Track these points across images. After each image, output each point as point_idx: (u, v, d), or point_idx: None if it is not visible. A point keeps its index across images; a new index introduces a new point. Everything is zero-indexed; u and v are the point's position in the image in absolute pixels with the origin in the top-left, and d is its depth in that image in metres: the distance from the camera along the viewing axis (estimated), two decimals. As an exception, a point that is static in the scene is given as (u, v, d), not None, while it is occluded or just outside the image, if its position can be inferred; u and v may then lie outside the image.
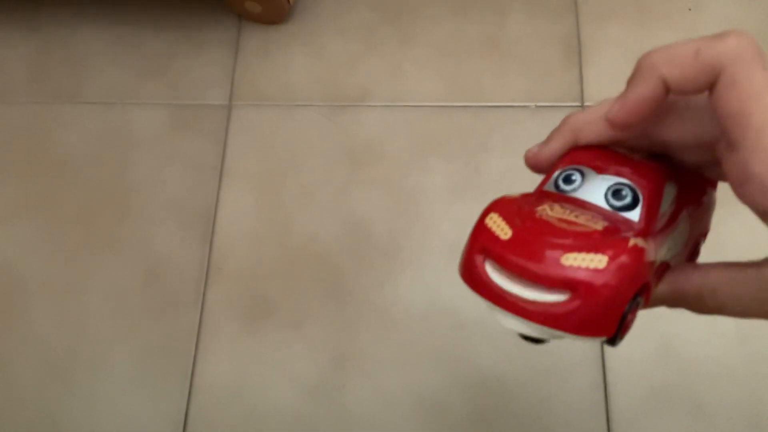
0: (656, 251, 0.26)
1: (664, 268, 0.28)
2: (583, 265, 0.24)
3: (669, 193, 0.28)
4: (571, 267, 0.24)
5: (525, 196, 0.30)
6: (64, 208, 0.75)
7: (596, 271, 0.23)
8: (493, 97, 0.79)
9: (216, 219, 0.74)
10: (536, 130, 0.77)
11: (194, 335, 0.69)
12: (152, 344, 0.69)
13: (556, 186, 0.29)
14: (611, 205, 0.27)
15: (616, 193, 0.27)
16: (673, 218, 0.28)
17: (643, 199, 0.27)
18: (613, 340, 0.26)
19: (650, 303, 0.28)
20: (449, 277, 0.70)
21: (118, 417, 0.66)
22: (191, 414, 0.66)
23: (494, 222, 0.27)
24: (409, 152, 0.76)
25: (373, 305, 0.69)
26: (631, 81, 0.27)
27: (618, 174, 0.28)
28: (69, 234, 0.74)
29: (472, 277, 0.26)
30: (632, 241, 0.24)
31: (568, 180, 0.29)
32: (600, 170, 0.28)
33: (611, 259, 0.23)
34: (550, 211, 0.27)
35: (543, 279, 0.24)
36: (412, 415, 0.65)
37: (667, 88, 0.25)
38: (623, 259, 0.24)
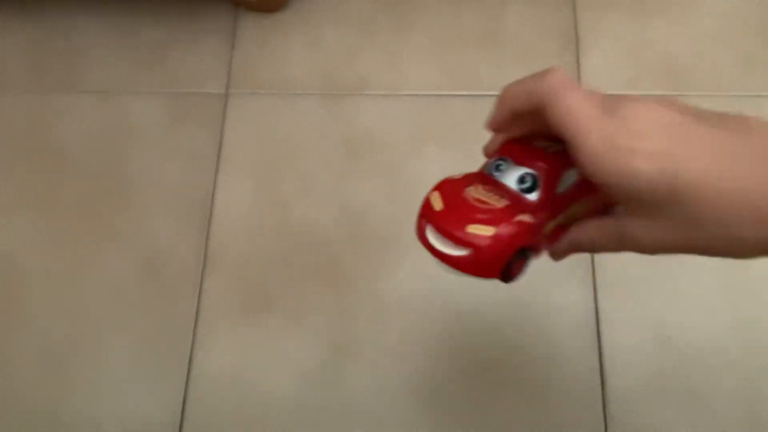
0: (550, 220, 0.37)
1: (562, 228, 0.38)
2: (478, 233, 0.35)
3: (569, 177, 0.38)
4: (471, 233, 0.35)
5: (465, 177, 0.41)
6: (63, 199, 0.75)
7: (485, 237, 0.35)
8: (491, 87, 0.78)
9: (213, 208, 0.74)
10: (534, 119, 0.77)
11: (192, 324, 0.69)
12: (150, 334, 0.69)
13: (491, 170, 0.40)
14: (519, 188, 0.38)
15: (522, 179, 0.38)
16: (572, 195, 0.38)
17: (541, 184, 0.37)
18: (504, 280, 0.37)
19: (560, 249, 0.38)
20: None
21: (117, 406, 0.66)
22: (189, 403, 0.66)
23: (434, 198, 0.39)
24: (406, 141, 0.76)
25: (371, 294, 0.69)
26: (495, 104, 0.39)
27: (526, 165, 0.38)
28: (67, 225, 0.74)
29: (419, 235, 0.38)
30: (518, 217, 0.35)
31: (497, 167, 0.40)
32: (516, 161, 0.39)
33: (498, 231, 0.34)
34: (473, 192, 0.38)
35: (455, 239, 0.35)
36: (410, 403, 0.65)
37: (515, 113, 0.37)
38: (505, 229, 0.35)
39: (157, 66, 0.81)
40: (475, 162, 0.74)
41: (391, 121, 0.77)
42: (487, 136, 0.75)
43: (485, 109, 0.76)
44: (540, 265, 0.71)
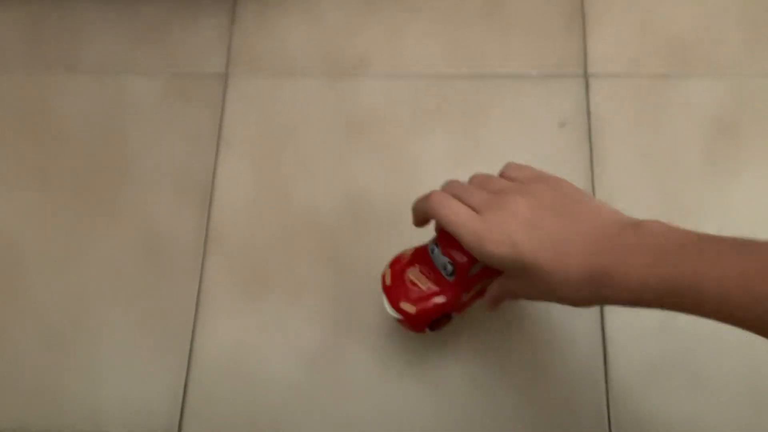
0: (465, 293, 0.56)
1: (480, 293, 0.57)
2: (406, 309, 0.56)
3: (477, 267, 0.54)
4: (401, 308, 0.57)
5: (412, 255, 0.59)
6: (61, 177, 0.75)
7: (408, 313, 0.57)
8: (495, 65, 0.77)
9: (214, 189, 0.73)
10: (538, 99, 0.77)
11: (193, 305, 0.69)
12: (151, 314, 0.69)
13: (431, 249, 0.57)
14: (444, 272, 0.56)
15: (445, 267, 0.55)
16: (481, 275, 0.55)
17: (457, 271, 0.55)
18: (432, 330, 0.59)
19: (487, 303, 0.56)
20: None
21: (118, 386, 0.66)
22: (191, 383, 0.66)
23: (387, 273, 0.59)
24: (409, 121, 0.75)
25: (372, 275, 0.68)
26: (412, 212, 0.58)
27: (448, 256, 0.55)
28: (65, 204, 0.73)
29: (383, 297, 0.59)
30: (434, 300, 0.56)
31: (432, 251, 0.57)
32: (443, 251, 0.55)
33: (418, 309, 0.56)
34: (411, 275, 0.57)
35: (394, 308, 0.57)
36: (411, 385, 0.65)
37: (424, 219, 0.57)
38: (422, 308, 0.56)
39: (155, 45, 0.80)
40: (477, 144, 0.74)
41: (393, 100, 0.76)
42: (490, 115, 0.74)
43: (489, 89, 0.76)
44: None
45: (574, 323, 0.66)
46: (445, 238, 0.55)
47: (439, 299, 0.56)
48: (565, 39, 0.78)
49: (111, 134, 0.76)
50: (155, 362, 0.67)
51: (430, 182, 0.72)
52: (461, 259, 0.54)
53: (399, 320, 0.58)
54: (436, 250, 0.56)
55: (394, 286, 0.57)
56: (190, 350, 0.67)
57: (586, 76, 0.76)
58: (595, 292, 0.43)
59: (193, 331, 0.68)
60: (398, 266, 0.58)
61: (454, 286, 0.55)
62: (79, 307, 0.69)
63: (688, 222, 0.69)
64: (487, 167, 0.72)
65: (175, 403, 0.66)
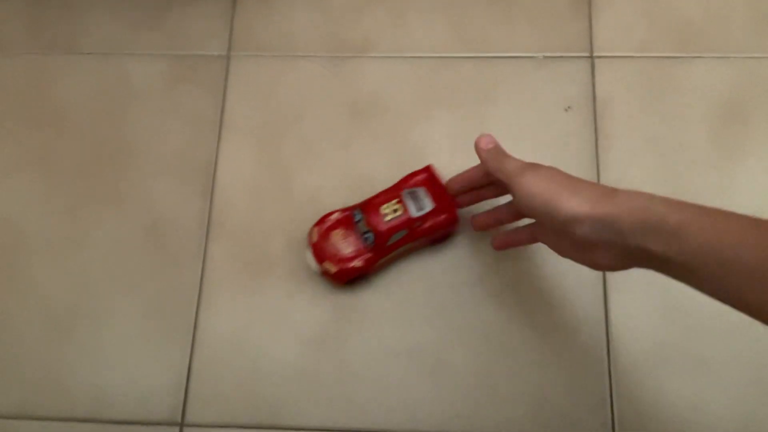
0: (382, 258, 0.65)
1: (396, 257, 0.67)
2: (328, 268, 0.65)
3: (399, 234, 0.64)
4: (324, 266, 0.65)
5: (340, 218, 0.66)
6: (63, 162, 0.74)
7: (329, 272, 0.65)
8: (499, 48, 0.77)
9: (216, 173, 0.73)
10: (543, 81, 0.76)
11: (196, 290, 0.69)
12: (154, 299, 0.69)
13: (355, 215, 0.66)
14: (364, 238, 0.64)
15: (365, 235, 0.64)
16: (399, 243, 0.65)
17: (375, 240, 0.63)
18: (349, 284, 0.67)
19: (481, 225, 0.65)
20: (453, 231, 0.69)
21: (122, 371, 0.67)
22: (194, 367, 0.66)
23: (314, 232, 0.66)
24: (412, 104, 0.75)
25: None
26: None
27: (369, 225, 0.64)
28: (68, 188, 0.73)
29: (307, 251, 0.66)
30: (353, 263, 0.64)
31: (356, 216, 0.65)
32: (365, 222, 0.65)
33: (338, 269, 0.64)
34: (334, 237, 0.65)
35: (319, 264, 0.65)
36: (414, 370, 0.65)
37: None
38: (343, 268, 0.64)
39: (157, 27, 0.79)
40: (481, 127, 0.73)
41: (396, 83, 0.76)
42: (495, 99, 0.73)
43: (493, 72, 0.75)
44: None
45: (577, 307, 0.66)
46: (369, 208, 0.64)
47: (358, 263, 0.64)
48: (571, 21, 0.77)
49: (113, 117, 0.76)
50: (159, 347, 0.67)
51: (435, 164, 0.72)
52: (381, 229, 0.63)
53: (319, 274, 0.66)
54: (360, 218, 0.65)
55: (320, 245, 0.65)
56: (194, 335, 0.67)
57: (591, 59, 0.75)
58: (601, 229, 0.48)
59: (196, 316, 0.68)
60: (325, 226, 0.66)
61: (372, 253, 0.64)
62: (82, 292, 0.69)
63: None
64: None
65: (179, 387, 0.66)
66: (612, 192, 0.48)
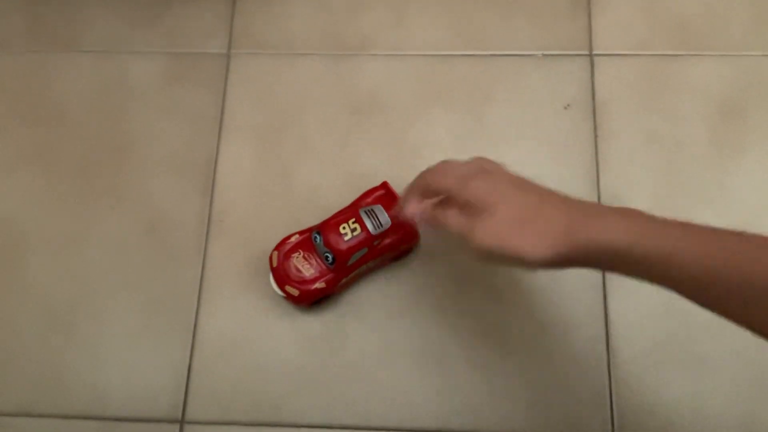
0: (344, 277, 0.65)
1: (357, 276, 0.67)
2: (290, 291, 0.64)
3: (359, 254, 0.63)
4: (287, 290, 0.64)
5: (299, 241, 0.66)
6: (63, 160, 0.74)
7: (292, 295, 0.64)
8: (499, 46, 0.77)
9: (216, 171, 0.73)
10: (543, 80, 0.76)
11: (197, 287, 0.69)
12: (154, 297, 0.69)
13: (314, 237, 0.65)
14: (325, 260, 0.64)
15: (325, 255, 0.64)
16: (360, 262, 0.64)
17: (337, 260, 0.63)
18: (312, 305, 0.67)
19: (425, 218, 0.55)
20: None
21: (122, 369, 0.67)
22: (194, 365, 0.66)
23: (274, 256, 0.65)
24: (412, 102, 0.75)
25: (375, 258, 0.68)
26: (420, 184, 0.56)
27: (329, 247, 0.63)
28: (68, 186, 0.73)
29: (270, 275, 0.66)
30: (315, 285, 0.64)
31: (315, 238, 0.64)
32: (324, 243, 0.64)
33: (301, 292, 0.64)
34: (295, 260, 0.64)
35: (281, 289, 0.65)
36: (415, 367, 0.65)
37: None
38: (305, 291, 0.64)
39: (156, 25, 0.79)
40: (481, 125, 0.73)
41: (396, 81, 0.76)
42: (494, 97, 0.73)
43: (492, 70, 0.75)
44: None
45: (577, 305, 0.66)
46: (327, 229, 0.63)
47: (320, 285, 0.64)
48: (571, 19, 0.77)
49: (112, 115, 0.76)
50: (159, 344, 0.67)
51: (434, 162, 0.71)
52: (340, 249, 0.62)
53: (284, 297, 0.65)
54: (319, 239, 0.64)
55: (281, 269, 0.64)
56: (194, 332, 0.68)
57: (591, 57, 0.75)
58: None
59: (197, 313, 0.68)
60: (284, 250, 0.65)
61: (333, 274, 0.64)
62: (82, 289, 0.70)
63: (691, 203, 0.69)
64: (491, 148, 0.72)
65: (179, 385, 0.66)
66: (569, 225, 0.46)
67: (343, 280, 0.65)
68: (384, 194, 0.67)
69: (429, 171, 0.55)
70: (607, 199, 0.69)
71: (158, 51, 0.78)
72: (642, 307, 0.66)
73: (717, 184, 0.70)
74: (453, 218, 0.50)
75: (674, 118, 0.72)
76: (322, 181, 0.72)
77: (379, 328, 0.67)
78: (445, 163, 0.54)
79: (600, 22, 0.76)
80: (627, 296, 0.66)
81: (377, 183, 0.68)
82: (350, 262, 0.64)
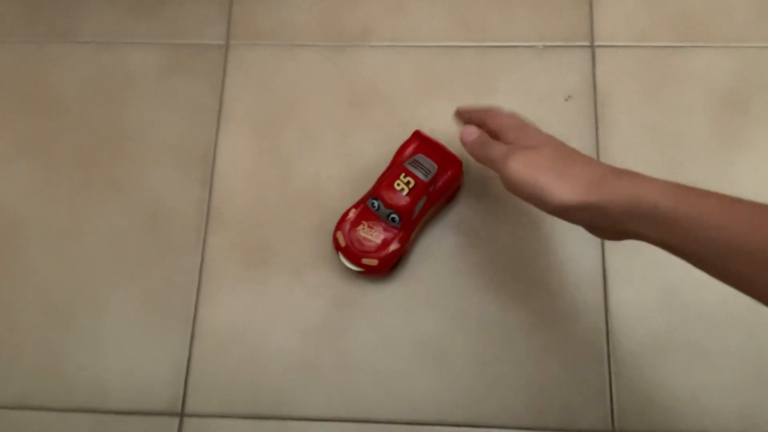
0: (413, 232, 0.66)
1: (423, 225, 0.68)
2: (368, 263, 0.64)
3: (420, 204, 0.64)
4: (364, 263, 0.65)
5: (358, 214, 0.66)
6: (61, 150, 0.74)
7: (371, 265, 0.64)
8: (500, 37, 0.76)
9: (215, 162, 0.72)
10: (544, 71, 0.75)
11: (196, 280, 0.69)
12: (154, 288, 0.69)
13: (371, 205, 0.65)
14: (390, 221, 0.64)
15: (390, 218, 0.64)
16: (422, 213, 0.65)
17: (402, 218, 0.64)
18: (390, 273, 0.68)
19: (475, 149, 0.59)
20: (453, 220, 0.69)
21: (121, 361, 0.66)
22: (194, 358, 0.66)
23: (339, 236, 0.66)
24: (412, 94, 0.74)
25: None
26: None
27: (392, 208, 0.64)
28: (66, 177, 0.73)
29: (337, 250, 0.66)
30: (390, 248, 0.64)
31: (373, 205, 0.65)
32: (385, 205, 0.64)
33: (379, 260, 0.64)
34: (362, 232, 0.65)
35: (357, 265, 0.65)
36: (414, 360, 0.65)
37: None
38: (383, 257, 0.64)
39: (154, 15, 0.78)
40: (483, 116, 0.72)
41: (396, 72, 0.75)
42: (495, 88, 0.73)
43: (493, 61, 0.75)
44: (547, 223, 0.70)
45: (577, 296, 0.66)
46: (383, 191, 0.64)
47: (394, 246, 0.65)
48: (572, 10, 0.76)
49: (110, 106, 0.75)
50: (158, 337, 0.67)
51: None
52: (403, 205, 0.63)
53: (361, 272, 0.66)
54: (377, 204, 0.64)
55: (351, 245, 0.65)
56: (193, 324, 0.67)
57: (592, 48, 0.75)
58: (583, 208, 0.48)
59: (196, 306, 0.68)
60: (347, 227, 0.66)
61: (402, 231, 0.65)
62: (80, 282, 0.69)
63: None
64: (492, 141, 0.71)
65: (179, 378, 0.66)
66: (602, 177, 0.47)
67: (413, 236, 0.66)
68: (420, 143, 0.68)
69: (488, 110, 0.59)
70: (608, 191, 0.69)
71: (156, 41, 0.77)
72: (642, 299, 0.66)
73: (718, 177, 0.70)
74: (498, 147, 0.54)
75: (676, 110, 0.72)
76: (322, 173, 0.72)
77: (379, 321, 0.67)
78: (500, 109, 0.59)
79: (601, 13, 0.76)
80: (627, 288, 0.66)
81: (376, 174, 0.68)
82: (415, 215, 0.64)
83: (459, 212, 0.70)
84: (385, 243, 0.64)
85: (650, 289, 0.66)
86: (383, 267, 0.65)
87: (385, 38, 0.76)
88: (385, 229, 0.65)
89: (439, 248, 0.68)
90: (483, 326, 0.66)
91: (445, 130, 0.72)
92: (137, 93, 0.76)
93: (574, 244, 0.68)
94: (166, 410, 0.65)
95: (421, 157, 0.66)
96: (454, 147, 0.67)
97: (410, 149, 0.68)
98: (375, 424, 0.64)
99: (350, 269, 0.66)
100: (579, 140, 0.71)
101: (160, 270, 0.69)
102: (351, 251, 0.65)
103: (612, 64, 0.74)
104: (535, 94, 0.73)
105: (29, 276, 0.70)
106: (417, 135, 0.68)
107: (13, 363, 0.67)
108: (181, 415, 0.65)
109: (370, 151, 0.72)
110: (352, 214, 0.66)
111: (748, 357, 0.64)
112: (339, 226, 0.66)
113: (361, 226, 0.65)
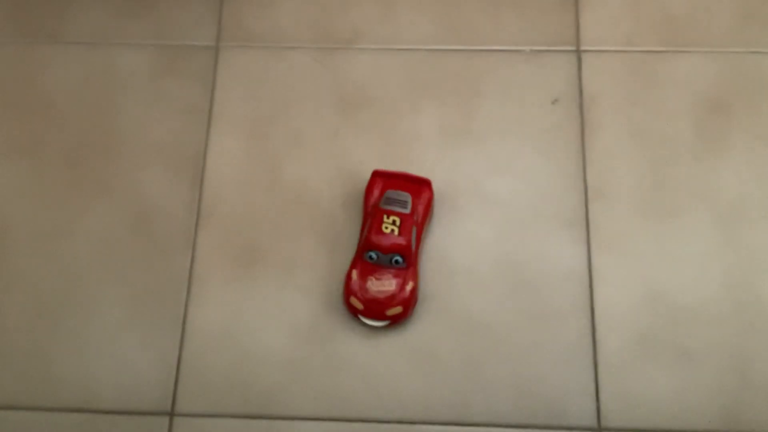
0: (418, 263, 0.66)
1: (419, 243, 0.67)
2: (394, 313, 0.64)
3: (414, 233, 0.64)
4: (390, 314, 0.64)
5: (359, 273, 0.65)
6: (50, 151, 0.74)
7: (398, 314, 0.64)
8: (487, 41, 0.77)
9: (205, 164, 0.73)
10: (530, 75, 0.76)
11: (186, 280, 0.69)
12: (143, 289, 0.69)
13: (368, 259, 0.65)
14: (395, 265, 0.64)
15: (395, 261, 0.64)
16: (418, 242, 0.66)
17: (406, 257, 0.64)
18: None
19: None
20: (440, 222, 0.70)
21: (111, 361, 0.66)
22: (184, 358, 0.66)
23: (354, 301, 0.65)
24: (401, 96, 0.75)
25: (364, 251, 0.69)
26: None
27: (392, 251, 0.64)
28: (55, 177, 0.73)
29: (354, 315, 0.65)
30: (407, 289, 0.64)
31: (371, 258, 0.65)
32: (384, 252, 0.64)
33: (403, 306, 0.64)
34: (373, 287, 0.64)
35: (383, 319, 0.65)
36: (402, 360, 0.66)
37: None
38: (406, 301, 0.64)
39: (144, 16, 0.79)
40: (469, 119, 0.73)
41: (385, 75, 0.76)
42: (483, 92, 0.74)
43: (481, 64, 0.75)
44: (535, 225, 0.71)
45: (563, 297, 0.67)
46: (375, 241, 0.64)
47: (410, 285, 0.64)
48: (558, 15, 0.77)
49: (100, 107, 0.75)
50: (148, 337, 0.67)
51: (423, 157, 0.72)
52: (402, 244, 0.64)
53: (388, 324, 0.65)
54: (375, 255, 0.64)
55: (370, 305, 0.64)
56: (183, 324, 0.67)
57: (578, 53, 0.76)
58: None
59: (186, 306, 0.68)
60: (356, 290, 0.64)
61: (410, 268, 0.65)
62: (69, 281, 0.69)
63: (676, 197, 0.70)
64: (479, 142, 0.72)
65: (169, 377, 0.66)
66: None
67: (418, 266, 0.66)
68: (383, 182, 0.68)
69: None
70: (593, 193, 0.70)
71: (146, 43, 0.78)
72: (627, 300, 0.67)
73: (701, 179, 0.71)
74: None
75: (660, 114, 0.73)
76: (312, 175, 0.72)
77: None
78: None
79: (587, 18, 0.77)
80: (613, 289, 0.67)
81: (367, 177, 0.68)
82: (414, 248, 0.65)
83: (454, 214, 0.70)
84: (401, 286, 0.64)
85: (635, 290, 0.67)
86: (408, 309, 0.65)
87: (374, 41, 0.77)
88: (394, 275, 0.64)
89: (427, 250, 0.69)
90: (470, 326, 0.66)
91: (432, 131, 0.73)
92: (127, 94, 0.76)
93: (561, 245, 0.69)
94: (157, 410, 0.65)
95: (392, 193, 0.66)
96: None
97: (376, 191, 0.67)
98: (364, 423, 0.64)
99: (376, 327, 0.65)
100: (565, 143, 0.72)
101: (149, 270, 0.69)
102: (372, 309, 0.64)
103: (598, 68, 0.75)
104: (522, 97, 0.74)
105: (17, 276, 0.70)
106: (377, 174, 0.68)
107: (1, 363, 0.67)
108: (171, 414, 0.65)
109: (359, 152, 0.73)
110: (355, 276, 0.65)
111: (731, 356, 0.65)
112: (347, 291, 0.65)
113: (369, 282, 0.64)
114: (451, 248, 0.69)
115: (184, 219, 0.71)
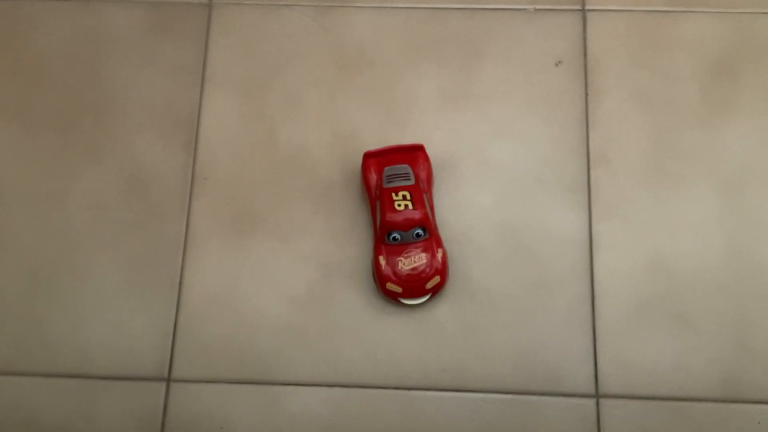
0: (435, 223, 0.67)
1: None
2: (433, 285, 0.64)
3: (426, 200, 0.65)
4: (430, 287, 0.64)
5: (386, 257, 0.64)
6: (40, 113, 0.72)
7: (438, 284, 0.64)
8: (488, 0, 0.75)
9: (199, 127, 0.71)
10: (534, 35, 0.74)
11: (181, 246, 0.68)
12: (138, 254, 0.68)
13: (390, 241, 0.64)
14: (419, 238, 0.64)
15: (417, 234, 0.64)
16: (429, 199, 0.66)
17: (428, 227, 0.64)
18: None
19: None
20: (440, 188, 0.69)
21: (106, 327, 0.66)
22: (180, 323, 0.66)
23: (391, 287, 0.64)
24: (400, 57, 0.73)
25: (362, 217, 0.68)
26: None
27: (416, 225, 0.64)
28: (46, 141, 0.71)
29: (393, 299, 0.65)
30: (438, 258, 0.64)
31: (394, 239, 0.64)
32: (405, 230, 0.64)
33: (441, 275, 0.64)
34: (404, 267, 0.63)
35: (424, 294, 0.65)
36: (400, 326, 0.65)
37: None
38: (441, 270, 0.64)
39: (135, -28, 0.76)
40: (470, 81, 0.72)
41: (383, 35, 0.74)
42: (484, 53, 0.72)
43: (483, 24, 0.73)
44: (536, 190, 0.70)
45: (563, 263, 0.66)
46: (391, 219, 0.64)
47: (440, 253, 0.64)
48: (563, -28, 0.75)
49: (91, 67, 0.74)
50: (144, 302, 0.67)
51: (423, 121, 0.71)
52: (417, 216, 0.64)
53: (430, 296, 0.65)
54: (398, 235, 0.64)
55: (407, 286, 0.64)
56: (179, 290, 0.67)
57: (583, 12, 0.74)
58: None
59: (182, 271, 0.67)
60: (389, 275, 0.64)
61: (432, 235, 0.65)
62: (63, 247, 0.68)
63: (680, 162, 0.69)
64: (480, 107, 0.71)
65: (165, 343, 0.65)
66: None
67: (438, 230, 0.66)
68: (376, 162, 0.66)
69: None
70: (595, 159, 0.69)
71: (138, 0, 0.75)
72: (627, 267, 0.66)
73: (706, 145, 0.70)
74: None
75: (666, 76, 0.72)
76: (308, 138, 0.71)
77: (365, 287, 0.67)
78: None
79: (593, -24, 0.75)
80: (613, 255, 0.67)
81: (365, 141, 0.67)
82: (431, 216, 0.65)
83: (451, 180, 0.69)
84: (431, 259, 0.64)
85: (636, 257, 0.67)
86: (444, 277, 0.65)
87: (373, -1, 0.75)
88: (419, 248, 0.64)
89: (426, 214, 0.68)
90: (469, 292, 0.66)
91: (432, 94, 0.71)
92: (118, 53, 0.74)
93: (561, 210, 0.68)
94: (153, 375, 0.65)
95: (390, 169, 0.65)
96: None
97: (373, 173, 0.66)
98: (362, 389, 0.64)
99: (419, 304, 0.65)
100: (568, 106, 0.71)
101: (144, 235, 0.68)
102: (411, 288, 0.64)
103: (603, 28, 0.73)
104: (525, 58, 0.73)
105: (10, 242, 0.69)
106: (368, 156, 0.67)
107: (-4, 329, 0.67)
108: (168, 380, 0.65)
109: (357, 115, 0.71)
110: (383, 261, 0.64)
111: (731, 324, 0.65)
112: (383, 278, 0.64)
113: (400, 263, 0.64)
114: (451, 214, 0.68)
115: (178, 183, 0.70)
